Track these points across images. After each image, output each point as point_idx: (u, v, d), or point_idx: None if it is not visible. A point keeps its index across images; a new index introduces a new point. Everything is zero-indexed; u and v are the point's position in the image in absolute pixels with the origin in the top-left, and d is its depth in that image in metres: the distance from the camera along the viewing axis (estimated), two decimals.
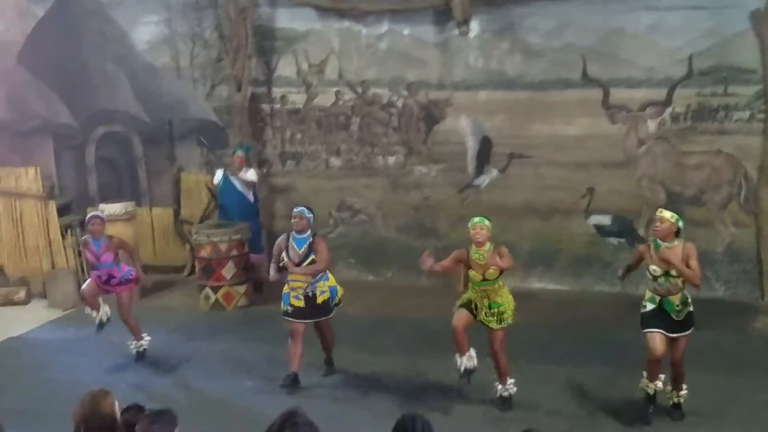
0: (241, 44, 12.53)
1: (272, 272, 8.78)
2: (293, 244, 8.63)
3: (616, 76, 11.36)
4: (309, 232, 8.70)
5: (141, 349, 9.73)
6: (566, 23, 11.47)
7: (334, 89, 12.74)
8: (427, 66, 12.27)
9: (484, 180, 12.15)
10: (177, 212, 13.27)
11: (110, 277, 9.52)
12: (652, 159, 11.41)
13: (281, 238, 8.81)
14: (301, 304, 8.59)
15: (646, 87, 11.28)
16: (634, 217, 11.54)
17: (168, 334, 10.51)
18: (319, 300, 8.64)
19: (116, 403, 5.01)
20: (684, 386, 7.71)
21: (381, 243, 12.68)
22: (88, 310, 9.75)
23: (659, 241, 7.50)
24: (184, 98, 13.55)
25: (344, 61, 12.61)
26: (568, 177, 11.67)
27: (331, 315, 8.83)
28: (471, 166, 12.21)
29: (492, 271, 7.98)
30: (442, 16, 11.82)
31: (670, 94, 11.15)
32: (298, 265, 8.53)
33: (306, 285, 8.55)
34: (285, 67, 12.88)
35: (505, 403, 8.05)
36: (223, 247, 11.57)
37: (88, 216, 9.78)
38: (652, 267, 7.51)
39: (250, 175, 12.00)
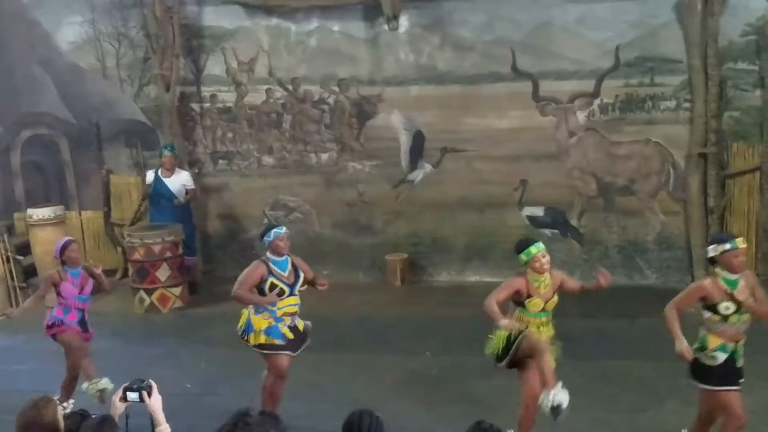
0: (169, 43, 12.34)
1: (258, 298, 7.54)
2: (275, 268, 7.59)
3: (545, 69, 11.51)
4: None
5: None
6: (496, 17, 11.56)
7: (265, 87, 12.63)
8: (357, 62, 12.24)
9: (418, 175, 12.18)
10: (107, 215, 13.03)
11: (83, 318, 8.31)
12: (582, 150, 11.58)
13: (257, 266, 7.60)
14: (291, 335, 7.63)
15: (575, 79, 11.45)
16: (567, 208, 11.72)
17: (104, 338, 10.25)
18: (301, 327, 7.75)
19: (59, 411, 4.91)
20: None
21: (317, 240, 12.61)
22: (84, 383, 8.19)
23: (729, 276, 6.30)
24: (111, 99, 13.28)
25: (274, 59, 12.51)
26: (501, 170, 11.77)
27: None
28: (405, 162, 12.24)
29: (554, 300, 6.99)
30: (372, 11, 11.79)
31: (598, 86, 11.34)
32: (292, 287, 7.62)
33: (296, 311, 7.69)
34: (214, 66, 12.72)
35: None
36: (157, 249, 11.40)
37: (64, 242, 8.31)
38: (724, 304, 6.25)
39: (188, 182, 11.93)
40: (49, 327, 8.25)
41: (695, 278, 10.98)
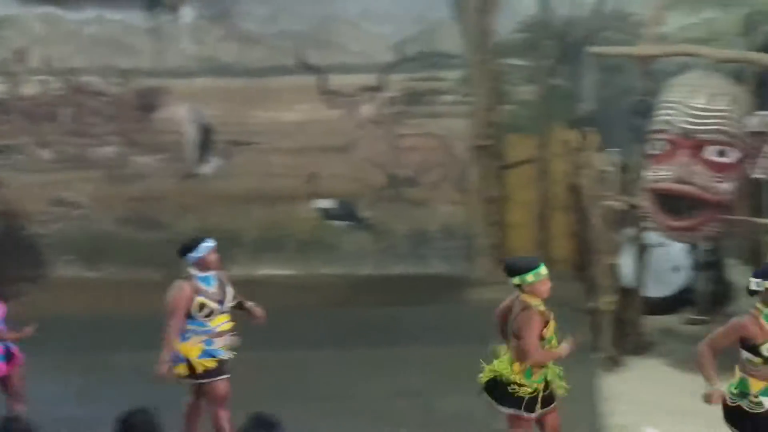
0: None
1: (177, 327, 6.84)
2: (202, 285, 6.88)
3: (331, 62, 11.64)
4: None
5: None
6: (280, 9, 11.58)
7: (40, 78, 12.04)
8: (139, 53, 11.89)
9: (206, 168, 12.03)
10: None
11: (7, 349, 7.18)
12: (369, 143, 11.81)
13: (182, 287, 6.84)
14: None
15: (360, 72, 11.64)
16: (356, 200, 11.93)
17: None
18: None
19: None
20: None
21: (101, 237, 12.15)
22: None
23: None
24: None
25: (48, 49, 11.93)
26: (291, 163, 11.79)
27: None
28: (192, 155, 12.04)
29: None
30: (153, 0, 11.53)
31: (383, 79, 11.60)
32: (221, 304, 6.93)
33: (229, 330, 7.05)
34: None
35: None
36: None
37: None
38: (767, 346, 5.49)
39: None
40: None
41: (477, 266, 11.51)
